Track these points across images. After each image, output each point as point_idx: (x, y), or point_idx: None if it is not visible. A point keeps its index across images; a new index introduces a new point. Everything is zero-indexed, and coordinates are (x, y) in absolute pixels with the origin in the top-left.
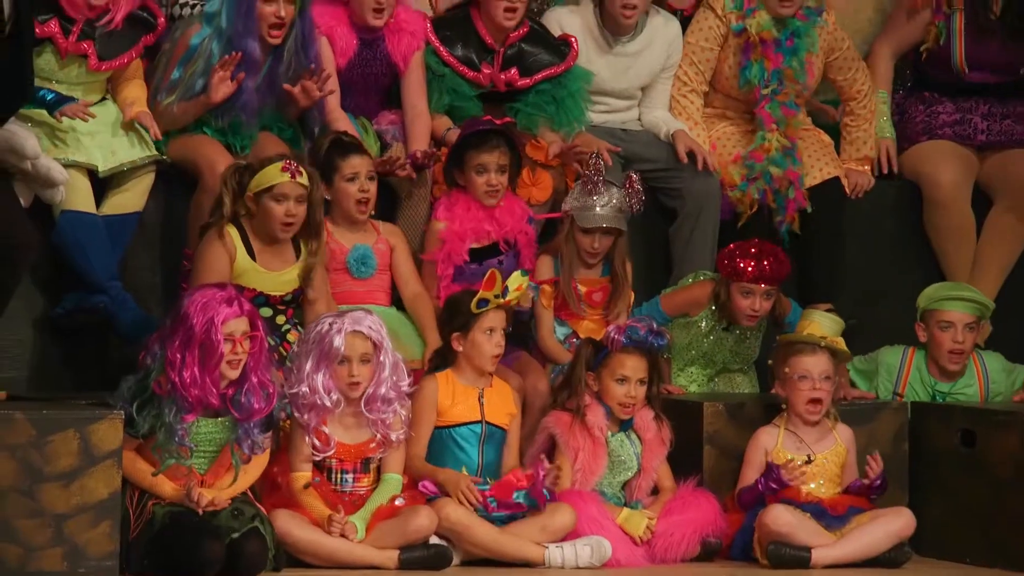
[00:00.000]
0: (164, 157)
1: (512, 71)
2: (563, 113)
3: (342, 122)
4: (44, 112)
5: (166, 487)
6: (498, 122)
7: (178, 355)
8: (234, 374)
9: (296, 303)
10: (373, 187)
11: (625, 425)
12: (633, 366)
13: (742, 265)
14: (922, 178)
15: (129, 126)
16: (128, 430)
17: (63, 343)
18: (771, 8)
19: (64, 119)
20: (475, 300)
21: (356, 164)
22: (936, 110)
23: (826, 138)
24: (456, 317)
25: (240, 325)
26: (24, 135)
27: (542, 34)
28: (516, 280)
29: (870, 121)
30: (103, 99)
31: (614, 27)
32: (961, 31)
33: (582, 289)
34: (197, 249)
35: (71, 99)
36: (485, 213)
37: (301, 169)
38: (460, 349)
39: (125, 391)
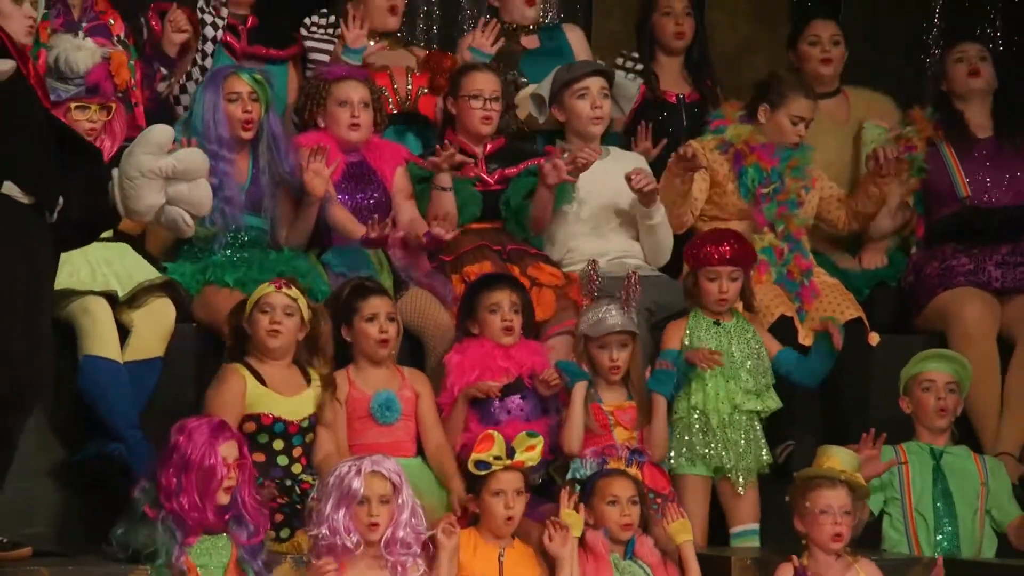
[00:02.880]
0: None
1: (496, 173)
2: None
3: (341, 213)
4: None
5: None
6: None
7: (174, 480)
8: (226, 499)
9: (313, 431)
10: (393, 328)
11: (628, 550)
12: (621, 486)
13: (706, 250)
14: (948, 319)
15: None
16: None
17: (83, 491)
18: (782, 144)
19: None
20: (472, 461)
21: (376, 305)
22: (950, 264)
23: (839, 283)
24: (467, 479)
25: (232, 450)
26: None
27: (518, 144)
28: (524, 441)
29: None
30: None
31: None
32: (954, 157)
33: (611, 415)
34: (208, 392)
35: None
36: (501, 352)
37: (291, 286)
38: (476, 511)
39: (118, 534)
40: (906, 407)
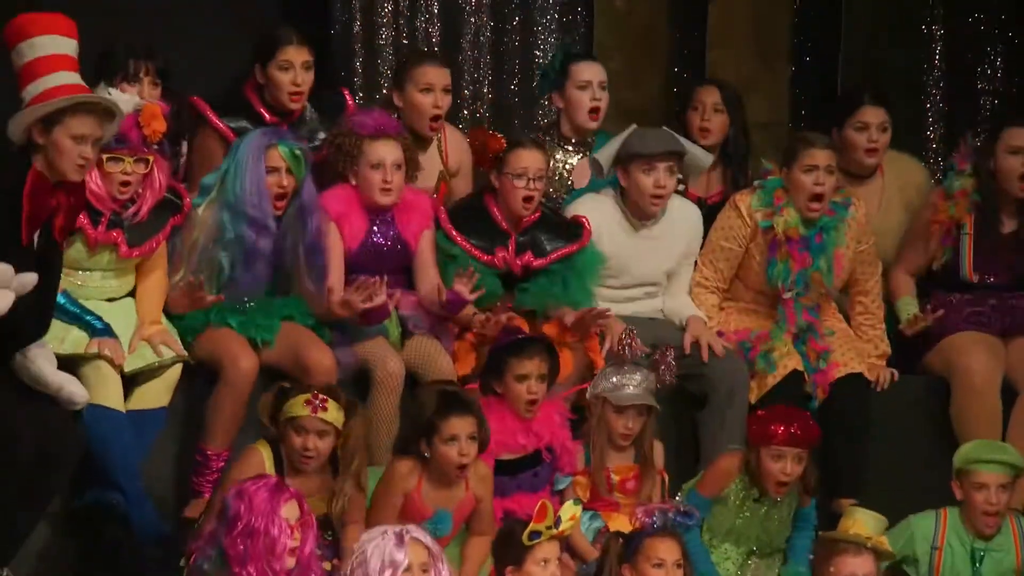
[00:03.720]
0: (189, 360)
1: (527, 255)
2: (569, 295)
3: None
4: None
5: None
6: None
7: (240, 548)
8: (292, 561)
9: (330, 525)
10: (474, 448)
11: None
12: (667, 548)
13: (772, 428)
14: (954, 368)
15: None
16: None
17: (78, 538)
18: (800, 207)
19: (94, 349)
20: (527, 532)
21: (457, 426)
22: (952, 306)
23: (849, 331)
24: (509, 550)
25: (294, 510)
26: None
27: (554, 218)
28: (569, 510)
29: (881, 318)
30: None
31: (637, 212)
32: (970, 248)
33: (615, 478)
34: (231, 469)
35: (112, 334)
36: (521, 424)
37: (327, 405)
38: None
39: None
40: (958, 493)
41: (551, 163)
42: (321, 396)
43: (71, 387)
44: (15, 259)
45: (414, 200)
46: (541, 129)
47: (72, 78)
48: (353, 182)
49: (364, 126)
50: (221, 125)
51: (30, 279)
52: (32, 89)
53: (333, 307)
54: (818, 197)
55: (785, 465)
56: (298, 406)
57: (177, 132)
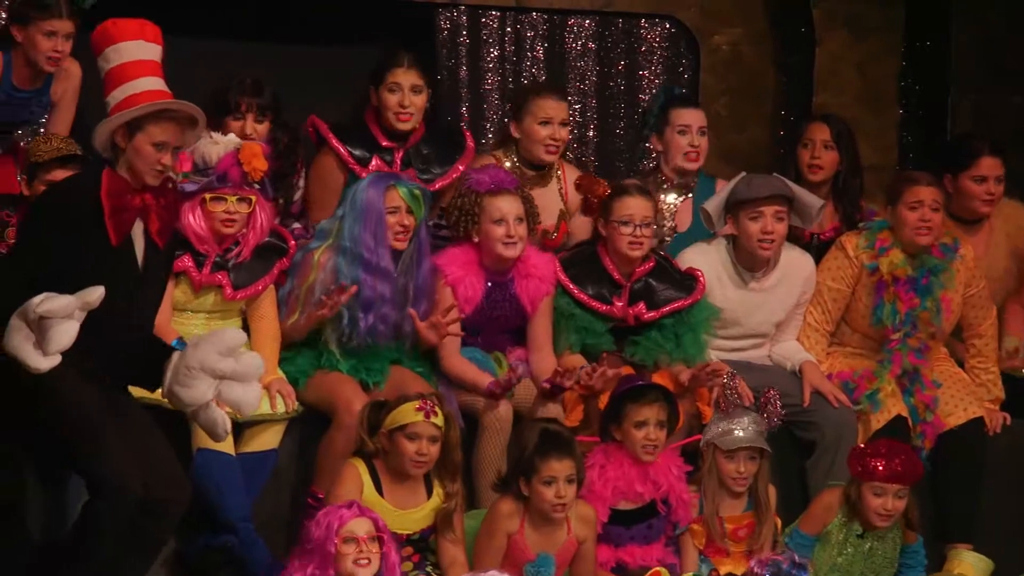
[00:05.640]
0: (299, 412)
1: (639, 305)
2: (681, 350)
3: (461, 365)
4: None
5: None
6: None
7: (296, 562)
8: (366, 573)
9: (425, 545)
10: (572, 490)
11: None
12: None
13: (873, 464)
14: None
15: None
16: None
17: None
18: (907, 243)
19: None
20: None
21: (556, 468)
22: None
23: (965, 376)
24: None
25: (362, 525)
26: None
27: (668, 269)
28: None
29: (995, 361)
30: None
31: (748, 262)
32: None
33: (728, 527)
34: (330, 487)
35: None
36: (639, 472)
37: (436, 410)
38: None
39: None
40: None
41: (655, 204)
42: (430, 402)
43: (216, 415)
44: (111, 262)
45: (537, 263)
46: (645, 172)
47: (156, 84)
48: (476, 240)
49: (482, 183)
50: (340, 147)
51: (95, 295)
52: (117, 94)
53: (421, 331)
54: (926, 229)
55: (886, 501)
56: (410, 413)
57: (290, 165)
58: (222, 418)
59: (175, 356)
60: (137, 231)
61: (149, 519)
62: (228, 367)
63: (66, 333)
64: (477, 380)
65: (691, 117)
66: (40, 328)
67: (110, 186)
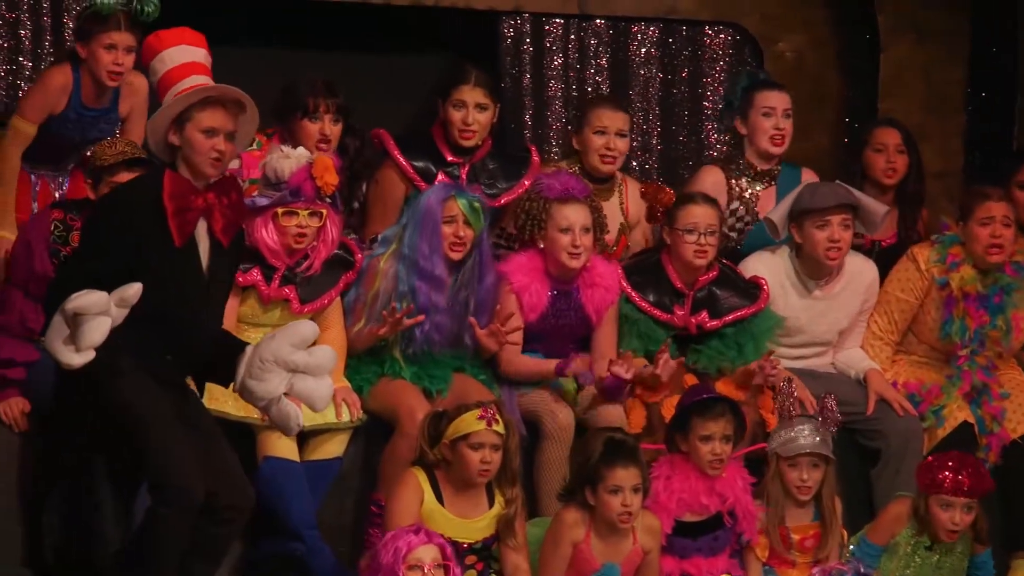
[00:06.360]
0: (364, 421)
1: (702, 314)
2: (744, 358)
3: (524, 361)
4: None
5: None
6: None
7: None
8: None
9: (488, 553)
10: (638, 499)
11: None
12: None
13: (941, 477)
14: None
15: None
16: None
17: None
18: (979, 259)
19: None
20: None
21: (621, 477)
22: None
23: None
24: None
25: (429, 552)
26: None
27: (731, 277)
28: None
29: None
30: None
31: (813, 270)
32: None
33: (794, 537)
34: (391, 494)
35: None
36: (705, 484)
37: (497, 417)
38: None
39: None
40: None
41: (737, 191)
42: (491, 409)
43: (289, 408)
44: (175, 262)
45: (603, 272)
46: (723, 159)
47: (201, 80)
48: (541, 246)
49: (552, 189)
50: (402, 160)
51: (132, 291)
52: (167, 99)
53: (480, 338)
54: (997, 247)
55: (954, 514)
56: (472, 422)
57: (362, 168)
58: (295, 412)
59: (248, 350)
60: (201, 231)
61: (213, 525)
62: (301, 360)
63: (97, 329)
64: (542, 368)
65: (776, 99)
66: (74, 324)
67: (172, 187)
